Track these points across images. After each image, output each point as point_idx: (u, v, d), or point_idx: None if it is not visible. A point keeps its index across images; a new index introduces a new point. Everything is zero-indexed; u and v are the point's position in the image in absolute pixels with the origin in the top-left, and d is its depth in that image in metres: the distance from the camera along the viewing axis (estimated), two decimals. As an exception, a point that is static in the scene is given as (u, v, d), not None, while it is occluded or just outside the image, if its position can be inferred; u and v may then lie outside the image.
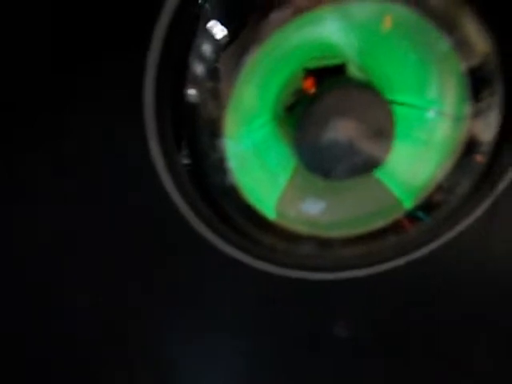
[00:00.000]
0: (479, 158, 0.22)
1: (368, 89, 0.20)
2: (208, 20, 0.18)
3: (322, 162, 0.20)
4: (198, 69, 0.19)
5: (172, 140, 0.19)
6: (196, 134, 0.20)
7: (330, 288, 0.24)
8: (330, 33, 0.19)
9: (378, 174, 0.22)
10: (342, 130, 0.20)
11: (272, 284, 0.23)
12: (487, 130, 0.21)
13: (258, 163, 0.21)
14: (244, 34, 0.18)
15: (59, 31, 0.18)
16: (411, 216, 0.23)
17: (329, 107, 0.19)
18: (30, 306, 0.22)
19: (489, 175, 0.22)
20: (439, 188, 0.22)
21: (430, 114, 0.21)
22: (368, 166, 0.21)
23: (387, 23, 0.19)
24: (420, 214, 0.23)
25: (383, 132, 0.20)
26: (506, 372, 0.27)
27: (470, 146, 0.22)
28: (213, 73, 0.19)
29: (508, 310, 0.26)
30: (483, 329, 0.26)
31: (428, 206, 0.23)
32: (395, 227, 0.23)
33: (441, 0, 0.19)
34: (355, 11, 0.19)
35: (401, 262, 0.23)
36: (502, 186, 0.22)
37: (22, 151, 0.19)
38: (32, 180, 0.20)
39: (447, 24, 0.19)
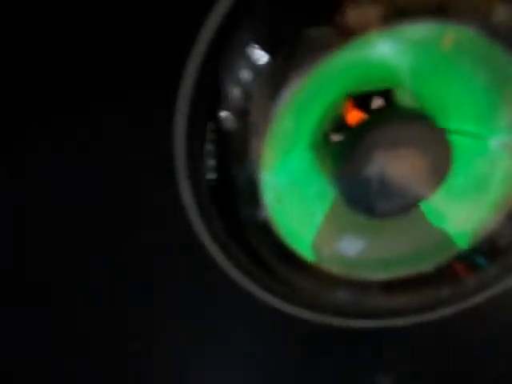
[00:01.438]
0: None
1: (421, 118, 0.17)
2: (248, 43, 0.17)
3: (365, 200, 0.18)
4: (236, 94, 0.17)
5: (203, 168, 0.18)
6: (229, 164, 0.18)
7: (370, 336, 0.21)
8: (378, 56, 0.17)
9: (425, 209, 0.20)
10: (389, 166, 0.17)
11: (306, 330, 0.21)
12: None
13: (294, 197, 0.19)
14: (285, 60, 0.16)
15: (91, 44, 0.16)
16: (468, 261, 0.20)
17: (373, 141, 0.17)
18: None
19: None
20: (503, 231, 0.20)
21: (493, 145, 0.19)
22: (415, 202, 0.18)
23: (447, 43, 0.17)
24: (479, 259, 0.20)
25: (437, 167, 0.18)
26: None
27: None
28: (252, 100, 0.17)
29: None
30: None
31: (490, 251, 0.20)
32: (448, 273, 0.20)
33: (507, 17, 0.16)
34: (410, 32, 0.16)
35: (449, 311, 0.21)
36: None
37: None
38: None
39: None
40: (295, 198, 0.19)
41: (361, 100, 0.18)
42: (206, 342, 0.22)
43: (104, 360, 0.22)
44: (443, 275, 0.20)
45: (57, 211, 0.19)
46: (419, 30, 0.16)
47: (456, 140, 0.18)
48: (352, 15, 0.16)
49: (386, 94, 0.18)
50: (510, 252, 0.20)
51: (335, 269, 0.20)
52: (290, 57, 0.16)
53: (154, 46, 0.16)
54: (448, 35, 0.17)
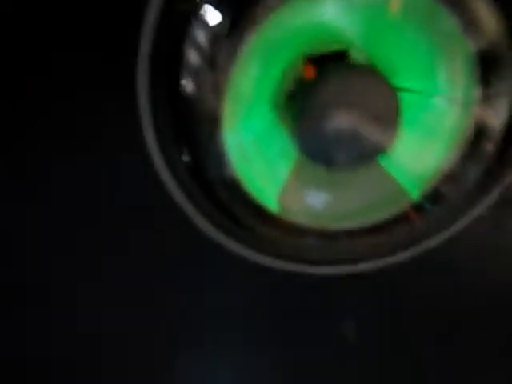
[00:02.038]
0: (488, 147, 0.21)
1: (371, 75, 0.19)
2: (202, 5, 0.18)
3: (324, 151, 0.20)
4: (193, 58, 0.18)
5: (169, 133, 0.19)
6: (193, 126, 0.19)
7: (336, 282, 0.23)
8: (331, 17, 0.18)
9: (384, 163, 0.21)
10: (344, 118, 0.19)
11: (275, 278, 0.22)
12: (497, 116, 0.21)
13: (258, 155, 0.21)
14: (239, 20, 0.17)
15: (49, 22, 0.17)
16: (418, 207, 0.22)
17: (330, 95, 0.19)
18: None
19: (499, 163, 0.21)
20: (447, 178, 0.21)
21: (438, 101, 0.20)
22: (372, 153, 0.20)
23: (395, 5, 0.18)
24: (427, 204, 0.22)
25: (387, 119, 0.19)
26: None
27: (479, 133, 0.21)
28: (208, 62, 0.18)
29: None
30: (494, 323, 0.26)
31: (435, 196, 0.22)
32: (402, 219, 0.22)
33: None
34: None
35: (408, 254, 0.23)
36: (510, 176, 0.22)
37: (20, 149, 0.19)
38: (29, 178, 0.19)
39: (456, 4, 0.18)
40: (260, 156, 0.20)
41: (318, 60, 0.19)
42: (181, 301, 0.23)
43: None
44: (398, 221, 0.22)
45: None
46: None
47: (405, 96, 0.20)
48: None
49: (342, 54, 0.19)
50: (452, 196, 0.22)
51: (301, 220, 0.22)
52: (243, 16, 0.17)
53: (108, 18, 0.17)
54: None
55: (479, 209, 0.22)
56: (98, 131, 0.19)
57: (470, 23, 0.19)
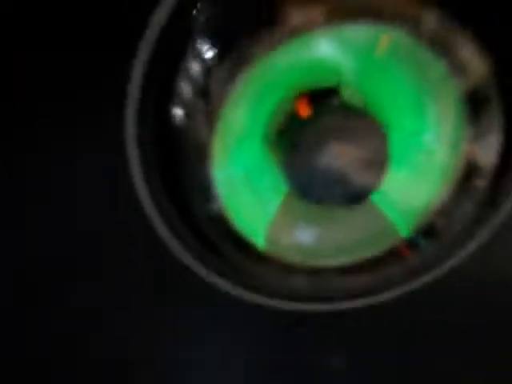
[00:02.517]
0: (480, 183, 0.21)
1: (362, 114, 0.19)
2: (197, 38, 0.18)
3: (313, 189, 0.19)
4: (186, 89, 0.18)
5: (155, 165, 0.19)
6: (181, 159, 0.19)
7: (326, 320, 0.23)
8: (323, 55, 0.19)
9: (374, 199, 0.21)
10: (334, 156, 0.19)
11: (264, 316, 0.22)
12: (487, 153, 0.21)
13: (247, 190, 0.20)
14: (234, 54, 0.17)
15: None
16: (411, 243, 0.22)
17: (322, 132, 0.19)
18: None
19: (491, 200, 0.21)
20: (440, 214, 0.21)
21: (427, 139, 0.20)
22: (361, 192, 0.20)
23: (382, 46, 0.18)
24: (420, 240, 0.22)
25: (377, 159, 0.19)
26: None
27: (470, 170, 0.21)
28: (201, 94, 0.18)
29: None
30: (487, 356, 0.25)
31: (428, 232, 0.22)
32: (394, 255, 0.22)
33: (434, 22, 0.18)
34: (350, 33, 0.18)
35: (401, 291, 0.22)
36: (504, 210, 0.22)
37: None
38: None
39: (441, 47, 0.18)
40: (249, 191, 0.20)
41: (310, 97, 0.19)
42: (168, 340, 0.22)
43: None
44: (390, 258, 0.22)
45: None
46: (357, 32, 0.18)
47: (395, 134, 0.20)
48: (294, 15, 0.17)
49: (333, 91, 0.19)
50: (445, 232, 0.22)
51: (290, 257, 0.21)
52: (237, 52, 0.17)
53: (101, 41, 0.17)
54: (383, 38, 0.18)
55: (474, 243, 0.22)
56: (82, 157, 0.19)
57: (456, 65, 0.19)
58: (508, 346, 0.25)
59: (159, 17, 0.17)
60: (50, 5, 0.17)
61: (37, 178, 0.19)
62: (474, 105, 0.20)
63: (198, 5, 0.17)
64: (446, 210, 0.21)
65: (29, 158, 0.19)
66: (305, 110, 0.19)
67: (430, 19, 0.18)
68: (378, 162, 0.19)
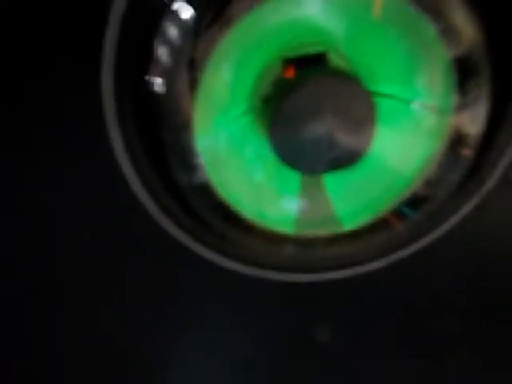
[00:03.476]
0: (466, 152, 0.21)
1: (349, 79, 0.18)
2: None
3: (299, 157, 0.19)
4: (164, 54, 0.17)
5: (135, 134, 0.18)
6: (162, 128, 0.18)
7: (315, 289, 0.23)
8: (311, 17, 0.18)
9: (362, 165, 0.21)
10: (320, 123, 0.18)
11: (252, 286, 0.22)
12: (474, 123, 0.20)
13: (232, 159, 0.20)
14: (213, 15, 0.17)
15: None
16: (397, 212, 0.22)
17: (307, 99, 0.18)
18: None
19: (477, 170, 0.21)
20: (426, 183, 0.21)
21: (415, 106, 0.20)
22: (348, 159, 0.20)
23: (376, 9, 0.18)
24: (406, 209, 0.22)
25: (364, 124, 0.19)
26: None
27: (457, 139, 0.21)
28: (180, 59, 0.17)
29: (499, 308, 0.25)
30: (474, 329, 0.25)
31: (414, 201, 0.22)
32: (381, 224, 0.22)
33: None
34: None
35: (388, 260, 0.22)
36: (490, 181, 0.22)
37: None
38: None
39: (434, 10, 0.18)
40: (233, 159, 0.20)
41: (297, 62, 0.19)
42: (154, 307, 0.22)
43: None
44: (377, 226, 0.22)
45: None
46: None
47: (382, 101, 0.19)
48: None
49: (321, 56, 0.19)
50: (431, 202, 0.21)
51: (277, 227, 0.21)
52: (216, 12, 0.16)
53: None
54: (377, 1, 0.18)
55: (458, 215, 0.22)
56: (60, 129, 0.18)
57: (447, 30, 0.18)
58: (497, 312, 0.25)
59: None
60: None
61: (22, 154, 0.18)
62: (463, 73, 0.19)
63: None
64: (432, 180, 0.21)
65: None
66: (292, 74, 0.19)
67: None
68: (365, 128, 0.19)
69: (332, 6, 0.18)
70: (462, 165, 0.21)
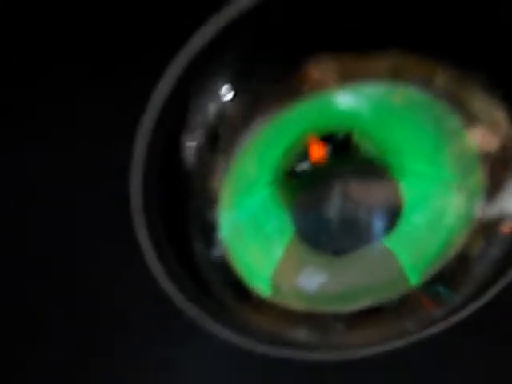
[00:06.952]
0: (505, 229, 0.20)
1: (376, 162, 0.18)
2: (217, 81, 0.17)
3: (320, 236, 0.19)
4: (199, 130, 0.17)
5: (158, 208, 0.18)
6: (187, 203, 0.18)
7: (330, 369, 0.22)
8: (339, 106, 0.18)
9: (386, 244, 0.20)
10: (344, 204, 0.18)
11: (259, 363, 0.21)
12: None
13: (252, 233, 0.20)
14: (250, 100, 0.17)
15: None
16: (427, 290, 0.21)
17: (333, 178, 0.18)
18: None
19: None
20: (462, 260, 0.20)
21: (443, 187, 0.20)
22: (370, 241, 0.19)
23: (397, 99, 0.18)
24: (439, 288, 0.21)
25: (389, 210, 0.18)
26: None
27: (498, 217, 0.20)
28: (214, 136, 0.17)
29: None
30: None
31: (446, 279, 0.21)
32: (411, 302, 0.21)
33: (447, 80, 0.17)
34: (365, 88, 0.17)
35: (416, 338, 0.21)
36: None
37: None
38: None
39: (456, 102, 0.18)
40: (254, 234, 0.19)
41: (325, 140, 0.19)
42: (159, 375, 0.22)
43: None
44: (406, 306, 0.21)
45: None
46: (373, 87, 0.17)
47: (410, 181, 0.19)
48: (313, 72, 0.17)
49: (347, 136, 0.19)
50: (469, 281, 0.21)
51: (294, 304, 0.21)
52: (255, 99, 0.17)
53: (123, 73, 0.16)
54: (398, 92, 0.18)
55: (496, 290, 0.21)
56: (88, 205, 0.18)
57: (471, 119, 0.18)
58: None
59: (184, 55, 0.16)
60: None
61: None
62: (493, 164, 0.19)
63: (224, 46, 0.16)
64: (469, 258, 0.20)
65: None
66: (317, 154, 0.19)
67: (443, 77, 0.17)
68: (388, 213, 0.18)
69: (356, 98, 0.18)
70: (502, 241, 0.20)
